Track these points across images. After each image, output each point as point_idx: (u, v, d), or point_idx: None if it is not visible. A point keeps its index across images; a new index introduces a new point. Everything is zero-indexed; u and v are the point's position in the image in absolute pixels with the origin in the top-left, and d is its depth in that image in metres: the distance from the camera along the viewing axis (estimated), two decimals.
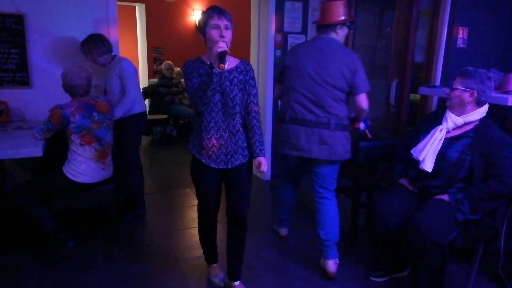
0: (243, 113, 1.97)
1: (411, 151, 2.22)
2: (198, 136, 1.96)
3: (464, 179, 2.07)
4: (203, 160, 1.96)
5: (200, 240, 2.29)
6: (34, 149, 2.36)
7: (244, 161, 2.02)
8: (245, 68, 1.95)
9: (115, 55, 3.07)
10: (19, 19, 3.06)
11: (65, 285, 2.30)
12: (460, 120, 2.11)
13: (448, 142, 2.12)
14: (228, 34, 1.80)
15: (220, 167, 1.97)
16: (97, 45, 2.91)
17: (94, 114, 2.46)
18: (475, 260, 2.18)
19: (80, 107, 2.41)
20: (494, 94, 2.49)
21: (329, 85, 2.31)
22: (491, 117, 2.15)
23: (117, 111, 2.89)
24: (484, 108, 2.10)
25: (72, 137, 2.42)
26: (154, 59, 7.18)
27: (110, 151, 2.62)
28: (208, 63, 1.76)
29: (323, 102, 2.33)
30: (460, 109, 2.11)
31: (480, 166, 2.02)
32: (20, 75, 3.17)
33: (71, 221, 3.03)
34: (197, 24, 1.88)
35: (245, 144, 2.01)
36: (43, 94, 3.19)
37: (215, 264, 2.36)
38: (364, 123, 2.52)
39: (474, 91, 2.05)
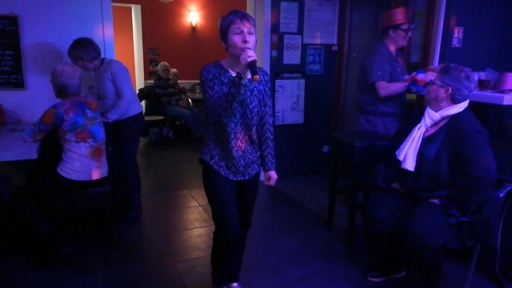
0: (257, 124, 1.90)
1: (395, 152, 2.22)
2: (216, 147, 1.85)
3: (449, 177, 2.06)
4: (222, 172, 1.86)
5: (214, 262, 2.08)
6: (28, 152, 2.34)
7: (258, 170, 1.98)
8: (264, 78, 1.86)
9: (103, 58, 2.99)
10: (12, 21, 3.04)
11: None
12: (437, 116, 2.10)
13: (426, 141, 2.12)
14: (251, 39, 1.67)
15: (239, 178, 1.90)
16: (87, 50, 2.79)
17: (87, 111, 2.49)
18: (472, 260, 2.18)
19: (73, 105, 2.42)
20: (489, 93, 2.50)
21: (359, 79, 3.18)
22: (487, 117, 2.15)
23: (112, 114, 2.87)
24: (463, 104, 2.08)
25: (66, 136, 2.41)
26: (150, 60, 7.16)
27: (104, 149, 2.62)
28: (235, 73, 1.62)
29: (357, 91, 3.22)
30: (435, 104, 2.10)
31: (455, 160, 2.02)
32: (14, 77, 3.15)
33: (67, 223, 3.01)
34: (219, 29, 1.74)
35: (259, 153, 1.97)
36: (37, 96, 3.16)
37: None
38: (415, 87, 2.79)
39: (449, 88, 2.04)
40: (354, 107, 3.24)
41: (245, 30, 1.67)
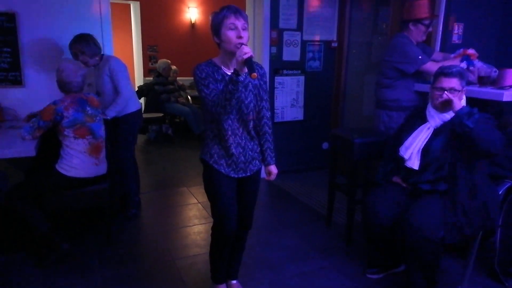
0: (255, 119, 1.88)
1: (399, 149, 2.23)
2: (215, 146, 1.84)
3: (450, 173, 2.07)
4: (223, 170, 1.84)
5: (213, 258, 2.08)
6: (27, 149, 2.33)
7: (260, 167, 1.97)
8: (259, 72, 1.81)
9: (102, 54, 3.00)
10: (10, 17, 3.03)
11: (59, 287, 2.27)
12: (447, 117, 2.13)
13: (431, 136, 2.14)
14: (245, 35, 1.66)
15: (240, 175, 1.88)
16: (90, 45, 2.83)
17: (88, 108, 2.48)
18: (471, 256, 2.18)
19: (73, 102, 2.42)
20: (489, 89, 2.49)
21: (379, 76, 2.93)
22: (486, 113, 2.15)
23: (110, 110, 2.87)
24: (464, 98, 2.16)
25: (65, 132, 2.41)
26: (149, 57, 7.14)
27: (103, 146, 2.61)
28: (231, 69, 1.60)
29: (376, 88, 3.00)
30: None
31: (461, 150, 2.03)
32: (12, 74, 3.14)
33: (65, 221, 3.01)
34: (210, 25, 1.73)
35: (259, 149, 1.95)
36: (36, 93, 3.16)
37: (222, 285, 2.16)
38: (467, 62, 2.62)
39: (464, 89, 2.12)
40: (376, 104, 3.02)
41: (239, 25, 1.66)
